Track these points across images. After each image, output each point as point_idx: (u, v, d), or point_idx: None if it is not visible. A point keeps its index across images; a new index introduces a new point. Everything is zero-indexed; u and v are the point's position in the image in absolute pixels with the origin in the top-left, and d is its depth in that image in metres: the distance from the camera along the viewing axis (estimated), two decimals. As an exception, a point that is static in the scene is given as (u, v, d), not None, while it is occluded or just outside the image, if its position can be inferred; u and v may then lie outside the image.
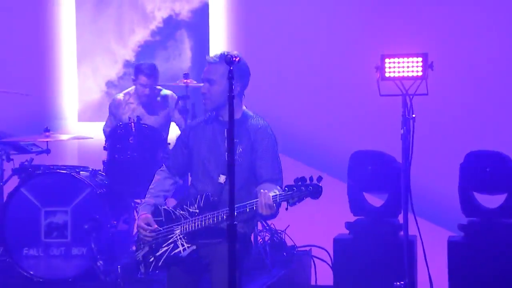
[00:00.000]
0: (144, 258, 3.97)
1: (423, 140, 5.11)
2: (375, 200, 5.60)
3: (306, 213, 5.90)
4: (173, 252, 3.88)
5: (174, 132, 6.03)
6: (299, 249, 5.84)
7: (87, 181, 5.28)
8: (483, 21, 6.36)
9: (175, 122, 6.02)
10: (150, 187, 4.13)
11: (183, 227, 3.90)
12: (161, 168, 4.18)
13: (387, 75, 4.91)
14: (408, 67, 4.89)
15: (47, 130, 5.43)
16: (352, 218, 5.49)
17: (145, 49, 7.18)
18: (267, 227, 5.81)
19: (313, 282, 5.83)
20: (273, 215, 3.73)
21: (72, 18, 7.27)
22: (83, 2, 7.29)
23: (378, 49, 5.15)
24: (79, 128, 7.14)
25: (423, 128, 5.03)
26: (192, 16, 7.12)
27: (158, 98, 6.01)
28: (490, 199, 5.26)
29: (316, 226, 6.14)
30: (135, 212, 5.69)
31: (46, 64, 7.24)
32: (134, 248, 4.12)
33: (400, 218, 5.12)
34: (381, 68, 4.92)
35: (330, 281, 5.52)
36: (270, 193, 3.67)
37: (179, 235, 3.89)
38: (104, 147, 5.70)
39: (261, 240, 5.72)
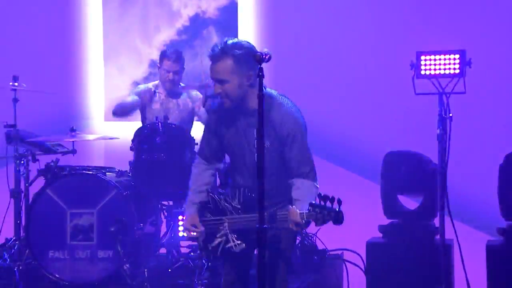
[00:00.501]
0: (205, 246, 3.92)
1: (460, 140, 5.03)
2: (409, 203, 5.52)
3: (338, 216, 5.83)
4: (227, 246, 3.83)
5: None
6: (330, 253, 5.77)
7: (113, 182, 5.25)
8: (524, 16, 6.25)
9: (200, 122, 5.98)
10: (190, 183, 4.02)
11: (231, 222, 3.84)
12: (196, 161, 4.07)
13: (422, 73, 4.83)
14: (444, 64, 4.81)
15: (73, 130, 5.42)
16: (385, 221, 5.41)
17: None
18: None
19: (345, 287, 5.77)
20: (302, 229, 3.69)
21: (99, 17, 7.27)
22: (110, 0, 7.30)
23: (413, 46, 5.08)
24: (106, 128, 7.14)
25: (460, 128, 4.95)
26: (220, 13, 7.08)
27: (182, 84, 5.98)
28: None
29: (348, 229, 6.04)
30: (162, 214, 5.68)
31: (72, 63, 7.25)
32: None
33: (436, 221, 5.04)
34: (416, 66, 4.84)
35: (362, 286, 5.45)
36: (297, 209, 3.59)
37: (228, 229, 3.83)
38: (130, 147, 5.69)
39: (291, 243, 5.66)
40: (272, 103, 3.80)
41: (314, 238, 5.74)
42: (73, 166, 5.49)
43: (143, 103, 5.97)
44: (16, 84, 5.69)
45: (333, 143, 6.53)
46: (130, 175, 5.53)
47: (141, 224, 5.23)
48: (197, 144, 5.68)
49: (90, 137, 5.84)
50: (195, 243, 4.29)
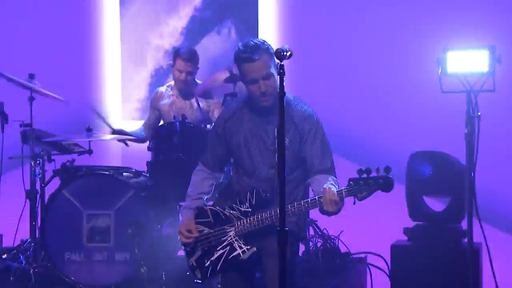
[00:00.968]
0: (199, 263, 3.87)
1: (489, 140, 4.94)
2: (436, 204, 5.44)
3: (361, 218, 5.77)
4: (231, 255, 3.77)
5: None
6: (353, 256, 5.70)
7: (130, 183, 5.23)
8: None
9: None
10: (188, 190, 4.06)
11: (238, 228, 3.79)
12: (197, 168, 4.11)
13: (449, 70, 4.74)
14: (473, 61, 4.72)
15: (89, 129, 5.39)
16: (410, 223, 5.33)
17: (189, 42, 7.12)
18: (320, 233, 5.69)
19: (368, 292, 5.71)
20: (339, 210, 3.65)
21: (116, 15, 7.26)
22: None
23: (440, 42, 5.00)
24: (123, 127, 7.12)
25: (489, 127, 4.85)
26: (240, 6, 7.03)
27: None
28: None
29: (372, 232, 6.01)
30: (180, 215, 5.64)
31: (89, 61, 7.23)
32: (184, 254, 4.04)
33: (464, 224, 4.95)
34: (443, 63, 4.76)
35: (387, 290, 5.40)
36: (333, 188, 3.60)
37: (234, 237, 3.78)
38: (148, 147, 5.65)
39: (313, 246, 5.61)
40: (289, 101, 3.88)
41: (337, 241, 5.68)
42: (89, 166, 5.46)
43: (157, 108, 5.97)
44: (37, 83, 5.68)
45: (356, 143, 6.46)
46: (147, 175, 5.49)
47: (159, 226, 5.19)
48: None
49: (107, 136, 5.81)
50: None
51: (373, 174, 3.56)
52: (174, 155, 5.42)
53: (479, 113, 4.70)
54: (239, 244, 3.78)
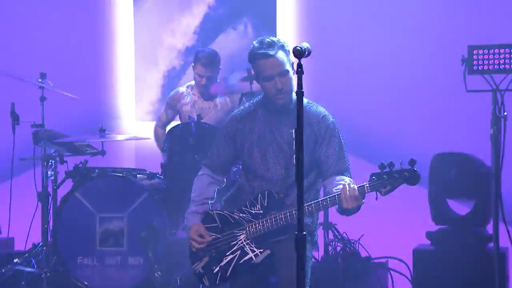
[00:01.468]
0: (206, 270, 3.81)
1: (516, 141, 4.87)
2: (460, 208, 5.36)
3: (382, 221, 5.71)
4: (242, 260, 3.72)
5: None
6: (374, 260, 5.62)
7: (144, 185, 5.18)
8: None
9: None
10: (192, 195, 4.02)
11: (249, 231, 3.74)
12: (200, 172, 4.09)
13: (475, 68, 4.69)
14: (499, 59, 4.66)
15: (102, 130, 5.35)
16: (433, 227, 5.25)
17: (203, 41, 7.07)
18: (339, 236, 5.63)
19: (390, 297, 5.64)
20: (358, 208, 3.59)
21: (130, 14, 7.23)
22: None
23: (465, 40, 4.91)
24: (136, 128, 7.09)
25: (516, 127, 4.79)
26: (256, 2, 6.98)
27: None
28: None
29: (393, 236, 5.93)
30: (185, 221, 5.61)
31: (102, 61, 7.21)
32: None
33: (490, 228, 4.88)
34: (468, 61, 4.70)
35: (409, 296, 5.34)
36: (352, 184, 3.55)
37: (244, 240, 3.73)
38: (162, 148, 5.61)
39: (332, 250, 5.55)
40: (306, 102, 3.87)
41: (357, 245, 5.62)
42: (102, 167, 5.43)
43: (176, 108, 5.94)
44: (49, 82, 5.62)
45: (377, 144, 6.39)
46: (162, 177, 5.45)
47: (173, 230, 5.14)
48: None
49: (120, 137, 5.77)
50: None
51: (397, 167, 3.50)
52: (189, 156, 5.36)
53: (505, 113, 4.64)
54: (251, 248, 3.73)
